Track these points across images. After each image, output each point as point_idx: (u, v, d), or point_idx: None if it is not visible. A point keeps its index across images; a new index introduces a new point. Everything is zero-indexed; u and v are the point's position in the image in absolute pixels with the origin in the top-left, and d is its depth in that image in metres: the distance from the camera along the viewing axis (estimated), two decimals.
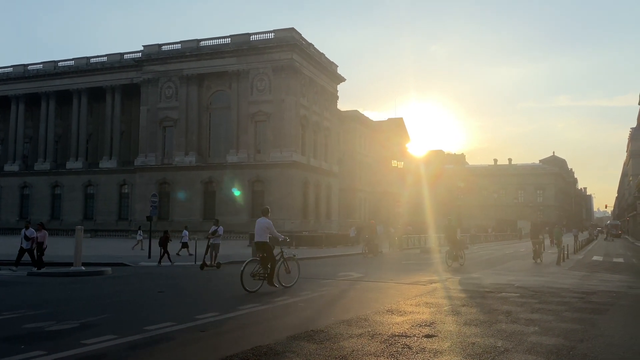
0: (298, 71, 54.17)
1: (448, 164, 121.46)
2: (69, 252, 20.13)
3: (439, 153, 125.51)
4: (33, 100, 66.82)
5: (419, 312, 9.17)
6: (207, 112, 57.48)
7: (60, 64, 65.67)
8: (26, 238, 18.27)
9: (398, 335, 7.20)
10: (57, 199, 64.38)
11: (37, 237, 18.31)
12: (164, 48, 58.79)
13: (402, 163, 54.17)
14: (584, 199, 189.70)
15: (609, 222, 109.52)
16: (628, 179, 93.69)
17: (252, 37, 55.34)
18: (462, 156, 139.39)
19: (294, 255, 13.26)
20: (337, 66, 64.39)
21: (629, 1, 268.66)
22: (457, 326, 7.94)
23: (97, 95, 64.22)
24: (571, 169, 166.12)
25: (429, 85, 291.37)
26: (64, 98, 65.48)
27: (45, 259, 18.65)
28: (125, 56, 62.28)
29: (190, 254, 24.24)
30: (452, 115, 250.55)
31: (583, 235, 57.24)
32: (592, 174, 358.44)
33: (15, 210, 64.71)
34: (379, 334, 7.30)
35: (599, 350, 6.55)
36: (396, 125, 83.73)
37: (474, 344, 6.78)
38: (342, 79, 65.10)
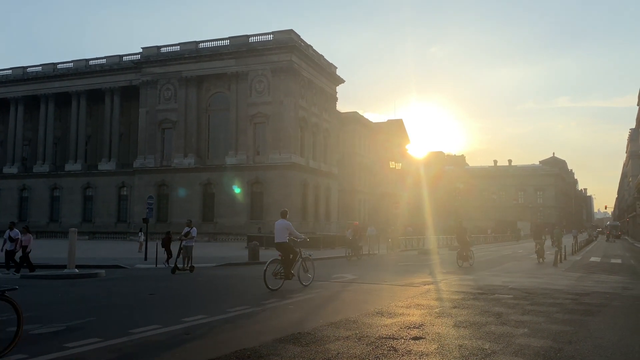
0: (297, 73, 54.15)
1: (448, 165, 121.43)
2: (65, 254, 20.04)
3: (439, 154, 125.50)
4: (32, 103, 66.83)
5: (409, 314, 9.10)
6: (206, 114, 57.45)
7: (59, 66, 65.69)
8: (10, 239, 18.04)
9: (385, 338, 7.14)
10: (56, 201, 64.34)
11: (21, 240, 18.05)
12: (163, 50, 58.79)
13: (400, 164, 54.01)
14: (585, 200, 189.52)
15: (608, 223, 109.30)
16: (628, 180, 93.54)
17: (251, 39, 55.34)
18: (462, 157, 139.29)
19: (310, 255, 14.10)
20: (337, 68, 64.37)
21: (629, 2, 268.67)
22: (446, 328, 7.88)
23: (96, 97, 64.21)
24: (571, 170, 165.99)
25: (429, 87, 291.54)
26: (63, 100, 65.50)
27: (40, 261, 18.56)
28: (124, 58, 62.28)
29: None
30: (452, 117, 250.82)
31: (583, 236, 57.07)
32: (593, 175, 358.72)
33: (14, 212, 64.58)
34: (366, 336, 7.24)
35: (586, 352, 6.49)
36: (396, 127, 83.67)
37: (461, 346, 6.72)
38: (341, 81, 65.06)
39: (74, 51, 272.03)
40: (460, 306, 10.15)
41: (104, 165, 62.32)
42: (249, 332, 7.79)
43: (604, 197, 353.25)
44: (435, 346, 6.70)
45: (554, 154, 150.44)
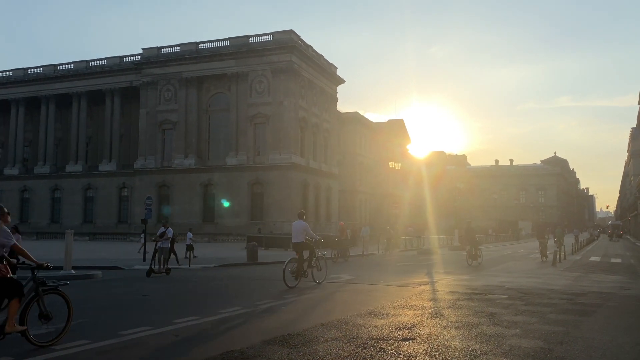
0: (297, 73, 54.10)
1: (449, 165, 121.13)
2: (63, 255, 20.01)
3: (441, 154, 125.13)
4: (33, 104, 66.90)
5: (401, 315, 9.05)
6: (206, 115, 57.44)
7: (59, 67, 65.73)
8: None
9: (375, 339, 7.10)
10: (57, 202, 64.40)
11: None
12: (163, 51, 58.78)
13: (400, 164, 53.97)
14: (586, 200, 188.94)
15: (610, 222, 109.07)
16: (629, 179, 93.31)
17: (251, 40, 55.30)
18: (464, 157, 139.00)
19: (323, 255, 15.11)
20: (337, 68, 64.30)
21: (629, 2, 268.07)
22: (437, 329, 7.83)
23: (96, 98, 64.24)
24: (573, 170, 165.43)
25: (430, 87, 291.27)
26: (63, 101, 65.54)
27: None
28: (125, 59, 62.28)
29: (195, 257, 24.04)
30: (453, 117, 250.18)
31: (584, 236, 56.93)
32: (595, 174, 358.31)
33: (15, 214, 64.56)
34: (356, 337, 7.20)
35: (576, 352, 6.44)
36: (397, 127, 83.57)
37: (451, 347, 6.68)
38: (341, 81, 64.99)
39: (75, 52, 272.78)
40: (454, 307, 10.10)
41: (104, 166, 62.36)
42: (239, 333, 7.76)
43: (606, 197, 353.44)
44: (425, 347, 6.66)
45: (555, 153, 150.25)
